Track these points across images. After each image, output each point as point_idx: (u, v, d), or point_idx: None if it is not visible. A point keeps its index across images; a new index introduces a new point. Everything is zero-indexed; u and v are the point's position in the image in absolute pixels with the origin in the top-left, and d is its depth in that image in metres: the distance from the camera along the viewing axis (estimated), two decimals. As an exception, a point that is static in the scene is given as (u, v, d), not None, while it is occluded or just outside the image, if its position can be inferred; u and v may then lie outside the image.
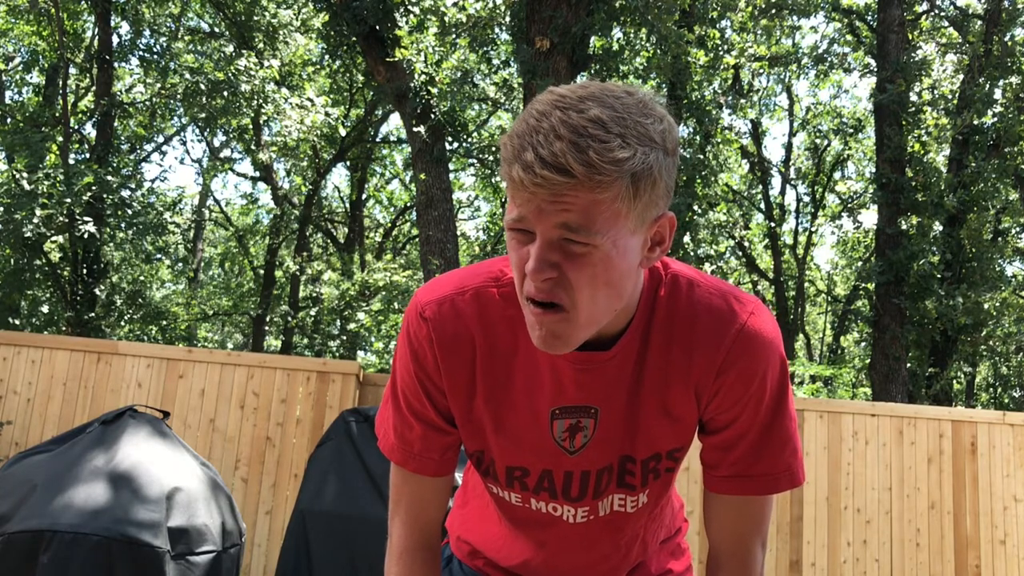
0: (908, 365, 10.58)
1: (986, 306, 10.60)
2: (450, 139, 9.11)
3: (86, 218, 9.91)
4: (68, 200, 9.51)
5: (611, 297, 1.02)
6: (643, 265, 1.05)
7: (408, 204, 18.15)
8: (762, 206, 17.58)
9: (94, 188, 9.82)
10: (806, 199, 18.03)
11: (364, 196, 18.02)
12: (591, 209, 0.95)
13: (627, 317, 1.11)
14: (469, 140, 12.37)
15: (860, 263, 16.07)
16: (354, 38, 8.85)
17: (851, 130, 15.98)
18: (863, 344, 18.52)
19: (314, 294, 16.99)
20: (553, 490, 1.22)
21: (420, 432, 1.22)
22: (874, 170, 11.93)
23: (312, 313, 16.69)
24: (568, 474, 1.20)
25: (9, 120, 13.51)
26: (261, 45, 13.19)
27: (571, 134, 0.93)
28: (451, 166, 12.00)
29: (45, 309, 12.62)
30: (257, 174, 17.63)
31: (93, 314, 10.89)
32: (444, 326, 1.15)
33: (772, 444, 1.16)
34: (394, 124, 18.35)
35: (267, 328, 17.01)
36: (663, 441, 1.19)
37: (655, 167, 0.97)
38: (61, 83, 12.75)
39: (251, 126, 15.11)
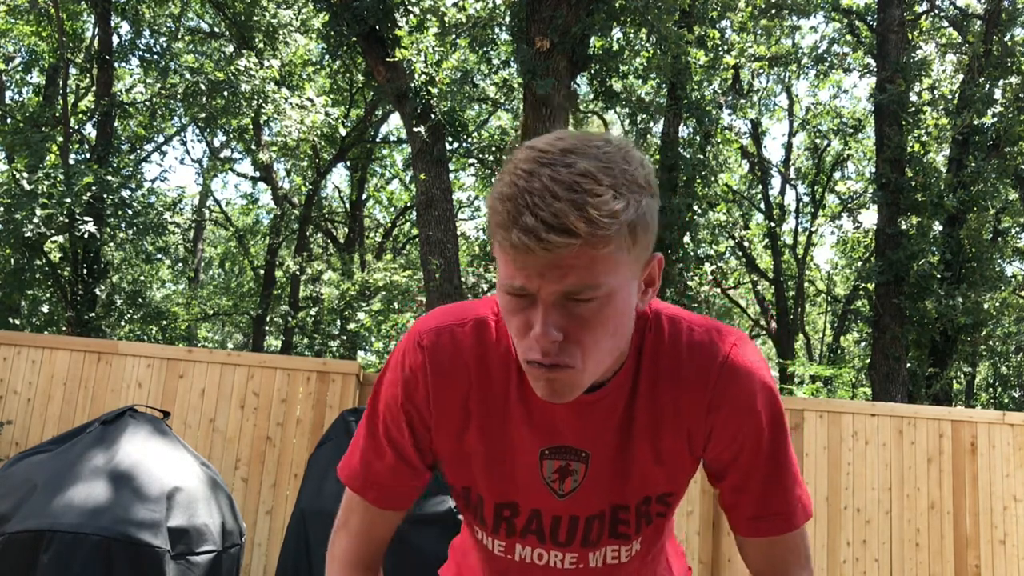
0: (908, 365, 10.58)
1: (986, 306, 10.60)
2: (450, 139, 9.11)
3: (86, 218, 9.91)
4: (68, 200, 9.51)
5: (615, 345, 1.01)
6: (639, 308, 1.03)
7: (408, 204, 18.15)
8: (762, 206, 17.58)
9: (94, 188, 9.82)
10: (806, 199, 18.03)
11: (364, 196, 18.03)
12: (593, 267, 0.93)
13: (619, 360, 1.09)
14: (469, 140, 12.39)
15: (860, 263, 16.07)
16: (354, 38, 8.85)
17: (851, 130, 15.98)
18: (863, 344, 18.52)
19: (314, 294, 17.00)
20: (541, 533, 1.19)
21: (391, 463, 1.18)
22: (874, 170, 11.93)
23: (312, 313, 16.69)
24: (556, 519, 1.17)
25: (9, 120, 13.51)
26: (261, 45, 13.19)
27: (567, 192, 0.90)
28: (451, 166, 12.00)
29: (45, 309, 12.62)
30: (257, 174, 17.64)
31: (93, 314, 10.89)
32: (440, 356, 1.12)
33: (781, 479, 1.16)
34: (394, 124, 18.37)
35: (267, 328, 17.01)
36: (653, 485, 1.17)
37: (647, 213, 0.96)
38: (61, 83, 12.75)
39: (251, 126, 15.12)
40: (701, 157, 10.63)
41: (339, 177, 26.22)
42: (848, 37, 14.74)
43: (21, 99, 15.80)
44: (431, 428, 1.15)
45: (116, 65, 13.28)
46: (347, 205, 18.46)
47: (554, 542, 1.19)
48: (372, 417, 1.20)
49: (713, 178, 11.24)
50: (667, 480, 1.17)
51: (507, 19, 9.06)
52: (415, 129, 8.45)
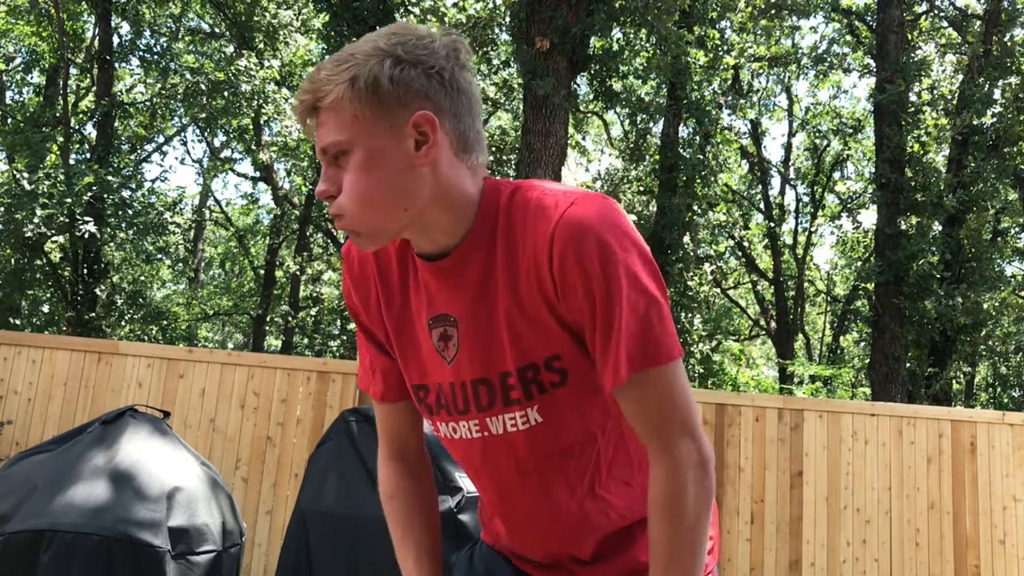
0: (908, 365, 10.59)
1: (985, 306, 10.61)
2: (450, 139, 9.10)
3: (87, 218, 9.91)
4: (68, 200, 9.51)
5: (390, 198, 1.12)
6: (421, 164, 1.12)
7: (408, 204, 18.11)
8: (762, 206, 17.59)
9: (94, 188, 9.82)
10: (806, 199, 18.04)
11: (364, 196, 18.00)
12: (327, 122, 1.11)
13: (459, 225, 1.18)
14: (469, 140, 12.36)
15: (859, 263, 16.07)
16: (354, 38, 8.85)
17: (851, 130, 15.99)
18: (863, 344, 18.52)
19: (314, 294, 17.00)
20: (447, 407, 1.26)
21: (368, 360, 1.36)
22: (874, 170, 11.94)
23: (312, 313, 16.69)
24: (451, 385, 1.25)
25: (10, 120, 13.52)
26: (261, 45, 13.19)
27: (317, 68, 1.12)
28: (451, 166, 11.98)
29: (46, 309, 12.63)
30: (257, 174, 17.64)
31: (94, 314, 10.89)
32: (351, 258, 1.31)
33: (620, 323, 1.11)
34: (394, 124, 18.32)
35: (267, 328, 17.01)
36: (535, 349, 1.17)
37: (376, 70, 1.09)
38: (62, 83, 12.76)
39: (251, 126, 15.12)
40: (701, 157, 10.64)
41: (339, 177, 26.13)
42: (848, 37, 14.74)
43: (21, 99, 15.82)
44: (367, 318, 1.33)
45: (116, 65, 13.28)
46: (347, 205, 18.44)
47: (456, 411, 1.26)
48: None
49: (713, 178, 11.25)
50: (545, 344, 1.17)
51: (507, 19, 9.07)
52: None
